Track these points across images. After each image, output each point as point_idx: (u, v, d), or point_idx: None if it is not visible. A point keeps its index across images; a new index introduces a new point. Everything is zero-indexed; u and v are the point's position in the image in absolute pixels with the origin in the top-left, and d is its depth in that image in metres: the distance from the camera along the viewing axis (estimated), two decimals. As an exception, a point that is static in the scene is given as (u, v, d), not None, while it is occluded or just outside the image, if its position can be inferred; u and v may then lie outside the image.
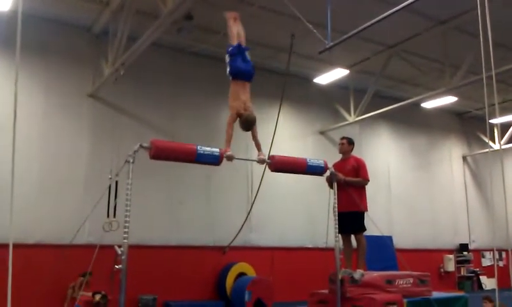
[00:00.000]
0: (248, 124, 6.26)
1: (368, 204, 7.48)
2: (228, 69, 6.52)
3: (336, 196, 6.99)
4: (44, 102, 9.69)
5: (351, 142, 7.56)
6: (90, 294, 8.56)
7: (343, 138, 7.63)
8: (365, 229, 7.18)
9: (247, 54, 6.64)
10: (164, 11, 7.32)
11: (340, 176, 7.06)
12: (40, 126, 9.53)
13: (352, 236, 7.25)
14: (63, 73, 9.99)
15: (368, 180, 7.18)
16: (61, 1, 9.23)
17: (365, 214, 7.20)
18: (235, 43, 6.63)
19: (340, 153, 7.60)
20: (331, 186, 7.26)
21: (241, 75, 6.48)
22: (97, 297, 8.45)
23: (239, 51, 6.54)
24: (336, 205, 6.94)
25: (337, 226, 6.97)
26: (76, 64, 10.15)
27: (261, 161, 6.62)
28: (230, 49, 6.59)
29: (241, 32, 6.85)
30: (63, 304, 8.72)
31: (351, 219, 6.95)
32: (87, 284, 8.63)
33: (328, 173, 7.12)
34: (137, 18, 8.65)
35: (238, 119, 6.26)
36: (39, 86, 9.67)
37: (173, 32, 9.67)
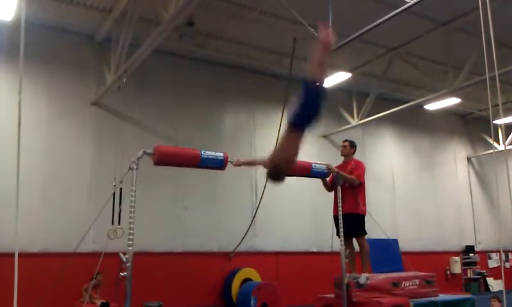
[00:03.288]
0: (271, 179, 4.47)
1: (372, 207, 7.47)
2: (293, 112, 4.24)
3: (339, 199, 6.99)
4: (47, 110, 9.72)
5: (353, 146, 7.56)
6: (98, 304, 8.56)
7: (345, 141, 7.64)
8: (366, 233, 7.17)
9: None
10: (165, 17, 7.35)
11: (333, 168, 7.07)
12: (43, 135, 9.55)
13: (354, 241, 7.25)
14: (66, 81, 10.02)
15: (359, 181, 7.13)
16: (64, 9, 9.27)
17: (370, 217, 7.20)
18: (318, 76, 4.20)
19: (342, 155, 7.60)
20: (328, 188, 7.28)
21: (300, 126, 4.33)
22: None
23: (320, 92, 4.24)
24: (339, 207, 6.94)
25: (336, 228, 7.00)
26: (79, 72, 10.18)
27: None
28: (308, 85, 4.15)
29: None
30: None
31: (349, 221, 6.93)
32: (96, 288, 8.64)
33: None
34: (139, 25, 8.68)
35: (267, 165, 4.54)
36: (42, 94, 9.70)
37: (175, 39, 9.69)
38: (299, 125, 4.35)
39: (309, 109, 4.29)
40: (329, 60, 4.59)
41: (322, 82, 4.30)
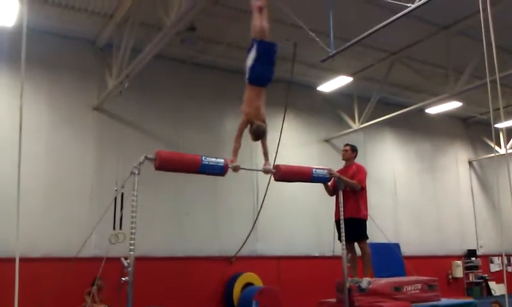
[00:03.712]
0: (257, 135, 6.09)
1: (374, 212, 7.46)
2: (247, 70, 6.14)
3: (341, 204, 6.97)
4: (49, 116, 9.73)
5: (354, 150, 7.55)
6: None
7: (346, 145, 7.63)
8: (368, 237, 7.15)
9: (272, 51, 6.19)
10: (167, 23, 7.36)
11: (335, 173, 7.06)
12: (45, 140, 9.56)
13: (356, 245, 7.24)
14: (68, 86, 10.04)
15: (362, 186, 7.12)
16: (65, 15, 9.29)
17: (372, 221, 7.18)
18: (256, 37, 6.04)
19: (343, 159, 7.60)
20: (329, 193, 7.28)
21: (257, 80, 6.19)
22: None
23: (259, 50, 6.00)
24: (341, 212, 6.92)
25: (337, 232, 6.99)
26: (81, 77, 10.20)
27: (266, 171, 6.58)
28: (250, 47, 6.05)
29: (265, 26, 6.22)
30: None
31: (351, 225, 6.92)
32: (99, 292, 8.63)
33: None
34: (140, 31, 8.69)
35: (249, 126, 6.09)
36: (44, 99, 9.72)
37: (176, 44, 9.71)
38: (255, 80, 6.03)
39: (260, 63, 5.94)
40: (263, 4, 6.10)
41: (264, 38, 5.88)
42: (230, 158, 6.08)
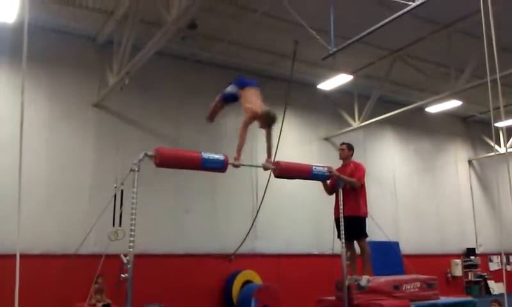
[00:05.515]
0: (270, 119, 6.31)
1: (373, 210, 7.46)
2: (231, 91, 6.72)
3: (340, 202, 6.98)
4: (49, 112, 9.73)
5: (350, 148, 7.58)
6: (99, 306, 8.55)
7: (342, 144, 7.66)
8: (367, 235, 7.16)
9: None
10: (168, 20, 7.36)
11: (335, 171, 7.08)
12: (45, 136, 9.55)
13: (355, 244, 7.25)
14: (68, 82, 10.03)
15: (361, 184, 7.14)
16: (66, 11, 9.28)
17: (371, 220, 7.19)
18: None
19: (340, 159, 7.62)
20: (328, 191, 7.29)
21: (246, 83, 6.62)
22: None
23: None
24: (341, 210, 6.93)
25: (337, 230, 7.00)
26: (81, 73, 10.19)
27: (266, 167, 6.61)
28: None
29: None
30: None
31: (350, 223, 6.93)
32: (98, 292, 8.65)
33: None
34: (141, 27, 8.69)
35: (256, 120, 6.27)
36: (44, 96, 9.71)
37: (177, 41, 9.71)
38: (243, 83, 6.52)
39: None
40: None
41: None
42: (234, 156, 6.11)
